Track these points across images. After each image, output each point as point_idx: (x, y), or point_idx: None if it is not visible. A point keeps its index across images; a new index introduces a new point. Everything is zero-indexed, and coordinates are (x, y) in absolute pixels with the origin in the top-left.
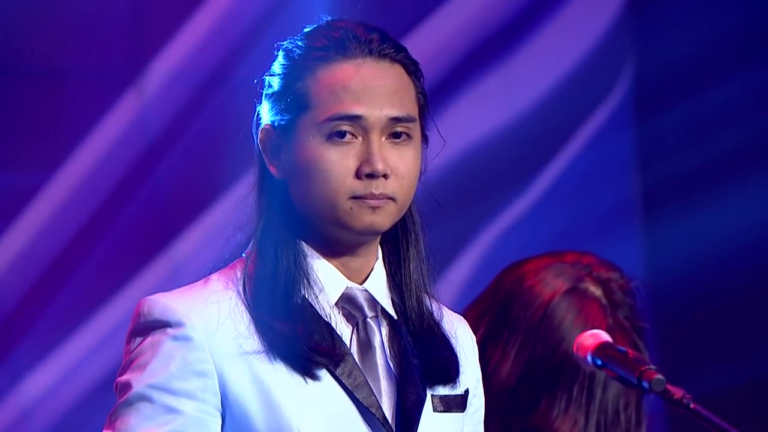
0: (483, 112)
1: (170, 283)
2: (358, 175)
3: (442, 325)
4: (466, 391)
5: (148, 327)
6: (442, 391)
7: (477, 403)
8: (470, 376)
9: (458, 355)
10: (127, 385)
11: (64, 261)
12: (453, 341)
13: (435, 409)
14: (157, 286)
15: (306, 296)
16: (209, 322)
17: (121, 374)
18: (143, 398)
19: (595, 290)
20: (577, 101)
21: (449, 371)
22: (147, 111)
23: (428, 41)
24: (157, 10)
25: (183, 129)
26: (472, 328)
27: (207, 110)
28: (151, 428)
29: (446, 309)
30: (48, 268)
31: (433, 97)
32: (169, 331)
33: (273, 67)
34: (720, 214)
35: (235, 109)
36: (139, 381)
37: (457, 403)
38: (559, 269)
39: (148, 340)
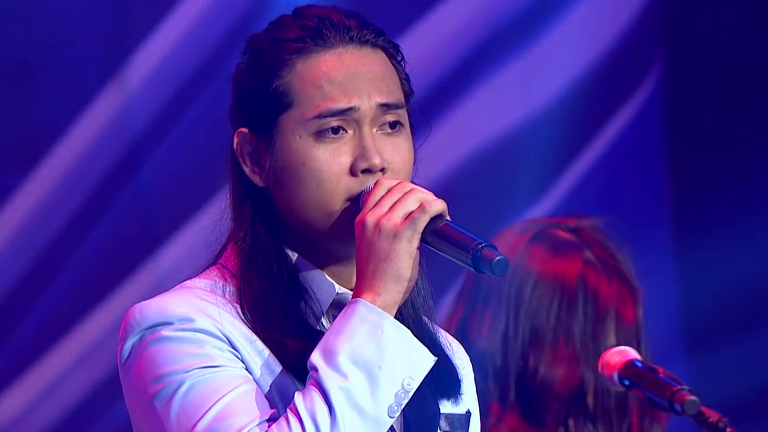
0: (501, 107)
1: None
2: (353, 171)
3: (440, 339)
4: (468, 413)
5: (146, 331)
6: (447, 408)
7: (475, 425)
8: (469, 396)
9: (459, 373)
10: (172, 388)
11: (39, 273)
12: (453, 359)
13: (440, 428)
14: (141, 300)
15: (299, 307)
16: (214, 317)
17: (153, 386)
18: (204, 374)
19: (563, 234)
20: (604, 95)
21: (454, 385)
22: (129, 106)
23: (442, 29)
24: None
25: (168, 126)
26: (454, 313)
27: (194, 106)
28: (236, 376)
29: (441, 329)
30: (21, 280)
31: (447, 90)
32: (176, 325)
33: (243, 66)
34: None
35: (224, 104)
36: (183, 373)
37: (461, 423)
38: (525, 226)
39: (155, 341)
